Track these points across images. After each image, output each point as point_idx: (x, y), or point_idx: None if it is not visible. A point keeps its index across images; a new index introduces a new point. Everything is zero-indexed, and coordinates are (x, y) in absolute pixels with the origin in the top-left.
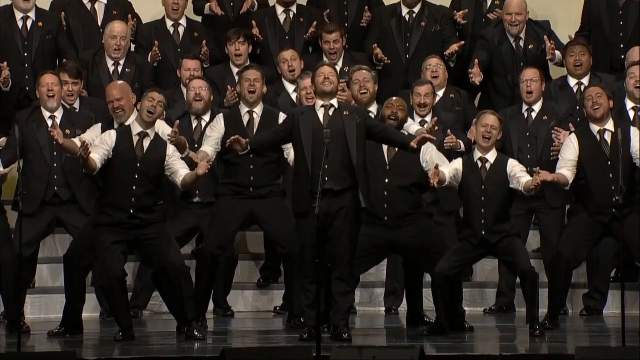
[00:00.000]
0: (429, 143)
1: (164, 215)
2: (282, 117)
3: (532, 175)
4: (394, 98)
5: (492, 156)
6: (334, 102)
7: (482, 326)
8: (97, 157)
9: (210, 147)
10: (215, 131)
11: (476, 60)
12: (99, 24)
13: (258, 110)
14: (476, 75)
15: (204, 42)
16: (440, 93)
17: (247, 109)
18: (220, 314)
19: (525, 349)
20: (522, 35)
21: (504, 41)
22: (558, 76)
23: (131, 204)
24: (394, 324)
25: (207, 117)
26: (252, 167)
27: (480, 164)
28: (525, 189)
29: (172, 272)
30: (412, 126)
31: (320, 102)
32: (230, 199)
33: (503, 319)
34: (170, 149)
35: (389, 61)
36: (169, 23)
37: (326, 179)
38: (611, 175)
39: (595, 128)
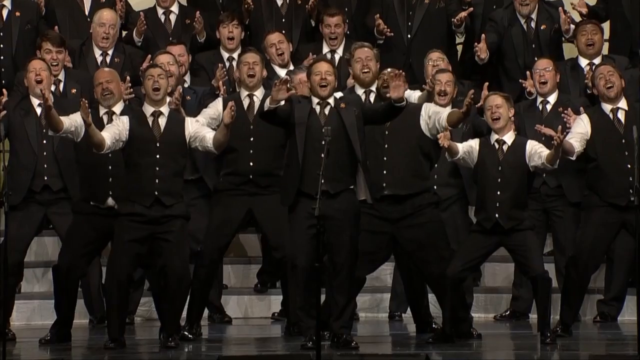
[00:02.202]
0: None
1: (187, 210)
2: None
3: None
4: (388, 69)
5: (509, 138)
6: (330, 99)
7: (491, 333)
8: (107, 134)
9: (204, 119)
10: (212, 108)
11: (482, 35)
12: (86, 13)
13: (258, 93)
14: (482, 51)
15: (197, 12)
16: None
17: (247, 93)
18: (218, 320)
19: (535, 357)
20: (534, 16)
21: (514, 22)
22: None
23: (155, 186)
24: (399, 330)
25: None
26: (251, 151)
27: (497, 146)
28: (548, 160)
29: (171, 276)
30: (413, 94)
31: (315, 99)
32: (229, 198)
33: (512, 326)
34: (189, 122)
35: (392, 33)
36: (160, 11)
37: (322, 181)
38: (626, 153)
39: (607, 107)
